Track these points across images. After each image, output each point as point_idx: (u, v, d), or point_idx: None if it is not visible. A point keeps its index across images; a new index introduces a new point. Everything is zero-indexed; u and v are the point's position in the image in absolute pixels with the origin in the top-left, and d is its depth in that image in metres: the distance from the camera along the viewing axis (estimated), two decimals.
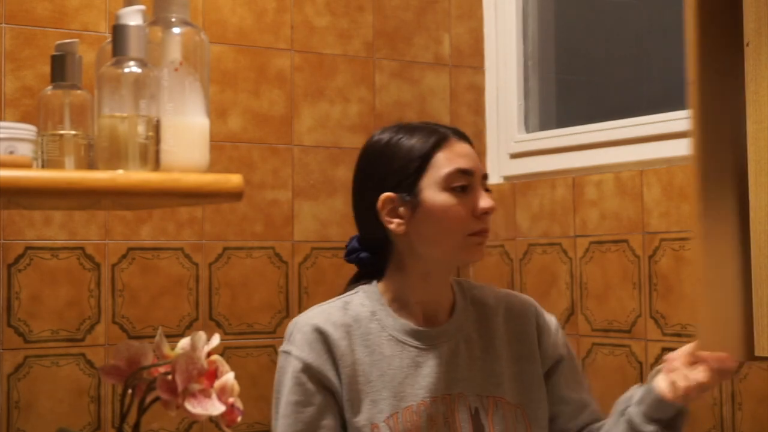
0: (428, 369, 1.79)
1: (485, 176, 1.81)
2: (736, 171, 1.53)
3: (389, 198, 1.78)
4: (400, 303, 1.82)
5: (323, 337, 1.76)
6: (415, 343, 1.80)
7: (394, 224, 1.78)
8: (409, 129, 1.82)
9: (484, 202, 1.77)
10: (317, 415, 1.75)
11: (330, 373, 1.75)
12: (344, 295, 1.85)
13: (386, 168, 1.80)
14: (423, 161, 1.77)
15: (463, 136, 1.82)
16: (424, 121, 1.93)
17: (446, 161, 1.77)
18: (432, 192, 1.76)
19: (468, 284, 1.91)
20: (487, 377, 1.82)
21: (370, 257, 1.85)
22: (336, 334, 1.77)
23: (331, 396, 1.76)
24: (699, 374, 1.67)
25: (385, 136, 1.83)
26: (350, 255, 1.88)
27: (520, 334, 1.87)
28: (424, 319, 1.82)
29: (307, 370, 1.75)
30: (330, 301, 1.85)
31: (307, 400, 1.75)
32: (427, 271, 1.81)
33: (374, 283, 1.84)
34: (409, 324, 1.80)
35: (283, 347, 1.80)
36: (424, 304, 1.83)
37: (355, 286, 1.86)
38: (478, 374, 1.81)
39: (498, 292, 1.92)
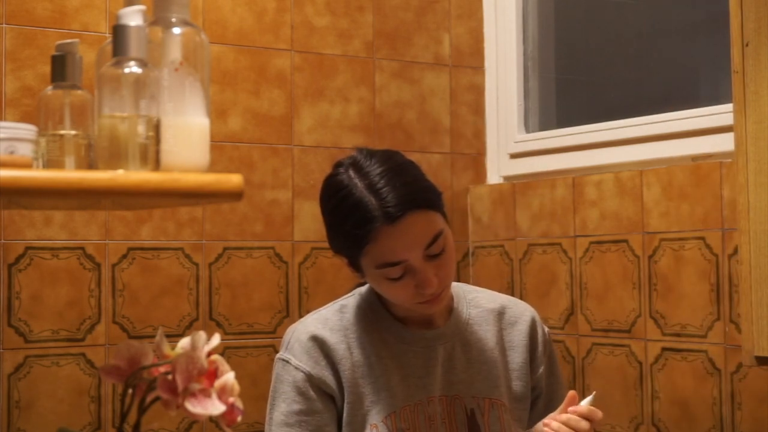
0: (425, 370, 1.79)
1: (436, 236, 1.67)
2: None
3: (340, 257, 1.77)
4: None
5: (321, 344, 1.77)
6: (412, 345, 1.80)
7: (354, 275, 1.78)
8: (344, 210, 1.68)
9: (424, 285, 1.67)
10: (322, 423, 1.76)
11: (329, 380, 1.76)
12: (341, 299, 1.86)
13: (332, 234, 1.75)
14: (358, 251, 1.69)
15: (403, 208, 1.64)
16: (379, 163, 1.70)
17: (376, 256, 1.67)
18: (371, 274, 1.72)
19: (466, 288, 1.91)
20: (483, 379, 1.82)
21: None
22: (333, 339, 1.77)
23: (332, 402, 1.77)
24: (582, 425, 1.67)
25: (333, 200, 1.71)
26: None
27: (512, 343, 1.87)
28: (420, 321, 1.82)
29: (309, 379, 1.76)
30: (326, 306, 1.85)
31: (310, 408, 1.75)
32: None
33: (369, 285, 1.85)
34: (406, 327, 1.81)
35: (281, 355, 1.80)
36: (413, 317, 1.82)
37: (353, 290, 1.87)
38: (474, 376, 1.82)
39: (497, 298, 1.91)
